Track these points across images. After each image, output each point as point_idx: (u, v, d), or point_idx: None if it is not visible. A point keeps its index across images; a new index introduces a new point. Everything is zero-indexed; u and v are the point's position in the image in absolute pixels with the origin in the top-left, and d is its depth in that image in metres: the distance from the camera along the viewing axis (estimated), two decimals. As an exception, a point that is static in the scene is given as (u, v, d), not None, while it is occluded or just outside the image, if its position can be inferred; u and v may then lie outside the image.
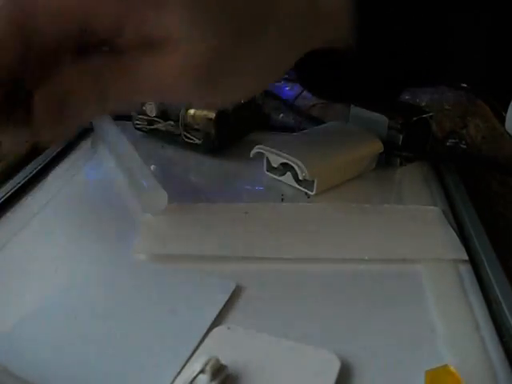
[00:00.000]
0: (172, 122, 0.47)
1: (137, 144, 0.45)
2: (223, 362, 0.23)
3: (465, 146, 0.49)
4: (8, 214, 0.37)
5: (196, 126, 0.45)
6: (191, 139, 0.46)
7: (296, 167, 0.38)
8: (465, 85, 0.71)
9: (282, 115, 0.57)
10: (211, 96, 0.27)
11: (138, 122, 0.49)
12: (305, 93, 0.64)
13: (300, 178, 0.39)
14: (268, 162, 0.42)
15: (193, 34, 0.24)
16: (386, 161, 0.44)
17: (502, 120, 0.58)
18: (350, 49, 0.30)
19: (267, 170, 0.43)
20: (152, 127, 0.48)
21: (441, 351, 0.25)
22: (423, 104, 0.63)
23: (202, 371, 0.22)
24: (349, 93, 0.37)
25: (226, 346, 0.25)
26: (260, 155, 0.42)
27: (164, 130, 0.48)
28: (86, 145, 0.49)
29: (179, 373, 0.24)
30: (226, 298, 0.28)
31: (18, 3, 0.22)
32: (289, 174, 0.41)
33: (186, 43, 0.24)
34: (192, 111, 0.45)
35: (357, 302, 0.29)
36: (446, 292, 0.29)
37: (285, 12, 0.27)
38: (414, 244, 0.33)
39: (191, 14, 0.23)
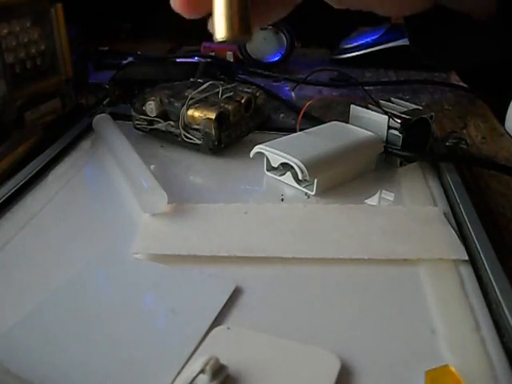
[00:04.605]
0: (172, 122, 0.47)
1: (137, 144, 0.45)
2: (223, 362, 0.23)
3: (465, 146, 0.49)
4: (8, 215, 0.37)
5: (196, 126, 0.45)
6: (191, 139, 0.46)
7: (296, 167, 0.38)
8: (465, 85, 0.71)
9: (282, 115, 0.58)
10: None
11: (137, 121, 0.49)
12: (305, 92, 0.65)
13: (300, 178, 0.39)
14: (268, 161, 0.42)
15: None
16: (386, 161, 0.44)
17: (502, 120, 0.58)
18: (488, 16, 0.32)
19: (267, 170, 0.43)
20: (152, 127, 0.48)
21: (441, 351, 0.25)
22: (423, 104, 0.63)
23: (202, 371, 0.22)
24: (470, 57, 0.39)
25: (226, 345, 0.25)
26: (260, 155, 0.42)
27: (164, 130, 0.48)
28: (86, 145, 0.49)
29: (179, 373, 0.24)
30: (225, 297, 0.28)
31: None
32: (289, 173, 0.41)
33: None
34: (192, 111, 0.45)
35: (357, 301, 0.29)
36: (445, 292, 0.29)
37: None
38: (414, 244, 0.33)
39: None
